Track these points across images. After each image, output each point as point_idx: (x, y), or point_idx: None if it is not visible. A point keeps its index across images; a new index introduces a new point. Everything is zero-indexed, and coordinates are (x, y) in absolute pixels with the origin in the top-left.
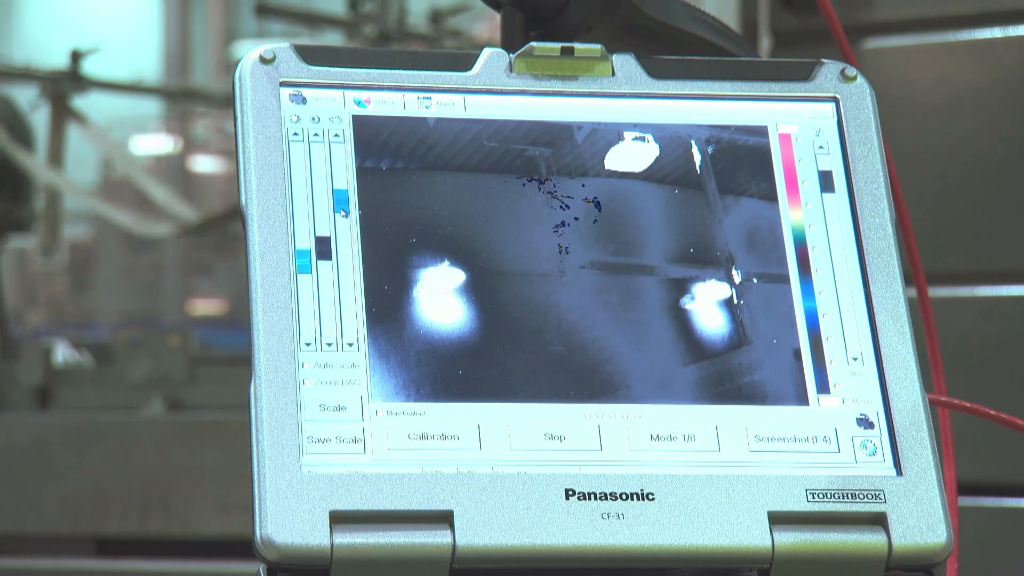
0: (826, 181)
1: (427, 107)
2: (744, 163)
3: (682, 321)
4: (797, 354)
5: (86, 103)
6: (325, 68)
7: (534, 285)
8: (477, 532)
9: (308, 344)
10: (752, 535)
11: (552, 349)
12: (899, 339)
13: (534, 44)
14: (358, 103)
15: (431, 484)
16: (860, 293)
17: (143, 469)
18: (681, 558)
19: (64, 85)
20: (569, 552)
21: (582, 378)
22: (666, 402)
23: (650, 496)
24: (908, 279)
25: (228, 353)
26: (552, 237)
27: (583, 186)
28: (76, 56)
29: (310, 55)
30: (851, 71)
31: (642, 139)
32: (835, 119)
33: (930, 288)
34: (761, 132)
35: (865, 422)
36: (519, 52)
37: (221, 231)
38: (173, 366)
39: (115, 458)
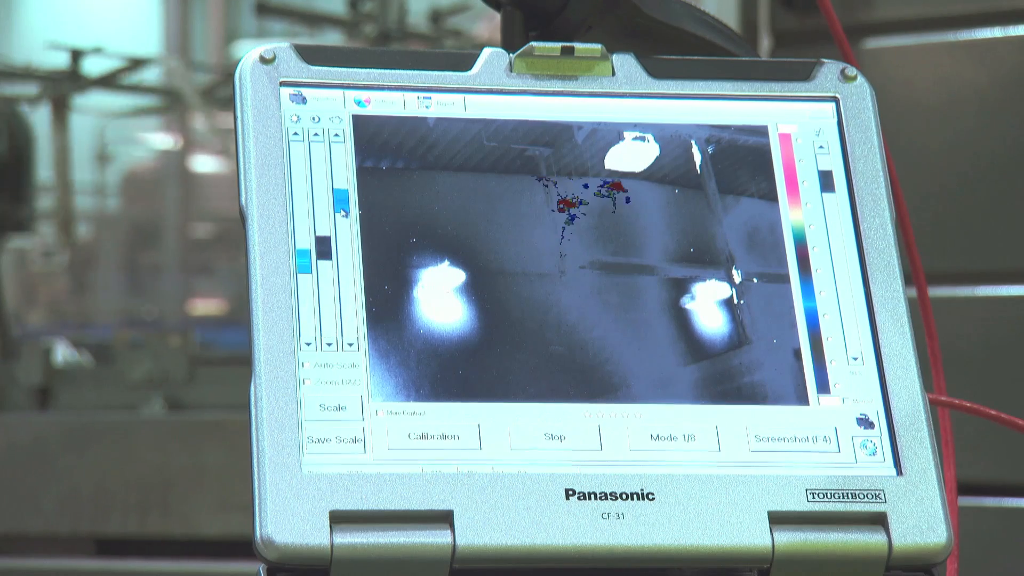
0: (826, 181)
1: (427, 107)
2: (744, 163)
3: (682, 321)
4: (797, 354)
5: (86, 103)
6: (325, 68)
7: (534, 285)
8: (477, 532)
9: (308, 344)
10: (752, 535)
11: (552, 349)
12: (899, 339)
13: (534, 44)
14: (358, 103)
15: (431, 484)
16: (860, 293)
17: (143, 469)
18: (681, 558)
19: (64, 85)
20: (569, 552)
21: (582, 378)
22: (666, 402)
23: (650, 496)
24: (908, 279)
25: (228, 353)
26: (552, 237)
27: (583, 186)
28: (76, 55)
29: (310, 55)
30: (851, 71)
31: (642, 139)
32: (835, 119)
33: (930, 288)
34: (761, 132)
35: (865, 422)
36: (519, 52)
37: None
38: (173, 366)
39: (115, 458)
